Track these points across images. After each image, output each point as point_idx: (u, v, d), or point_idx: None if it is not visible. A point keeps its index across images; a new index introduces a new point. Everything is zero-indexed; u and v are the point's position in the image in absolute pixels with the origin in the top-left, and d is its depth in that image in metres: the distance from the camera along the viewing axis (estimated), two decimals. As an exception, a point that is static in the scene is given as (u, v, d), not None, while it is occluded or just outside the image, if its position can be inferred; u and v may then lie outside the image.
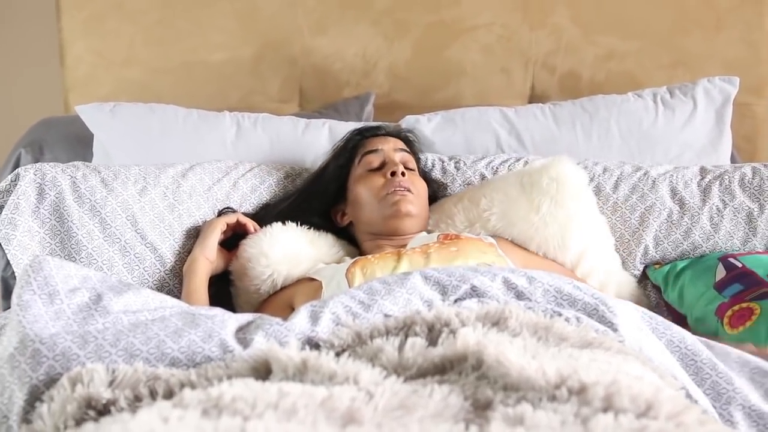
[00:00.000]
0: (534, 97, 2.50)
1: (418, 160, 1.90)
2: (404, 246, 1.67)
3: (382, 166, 1.78)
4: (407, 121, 2.12)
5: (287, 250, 1.71)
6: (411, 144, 1.91)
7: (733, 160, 2.18)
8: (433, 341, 1.00)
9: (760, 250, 1.78)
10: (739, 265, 1.66)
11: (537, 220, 1.75)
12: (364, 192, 1.76)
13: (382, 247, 1.71)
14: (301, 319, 1.11)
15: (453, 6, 2.47)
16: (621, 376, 0.88)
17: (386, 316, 1.13)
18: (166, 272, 1.74)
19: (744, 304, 1.55)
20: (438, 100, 2.45)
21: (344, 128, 2.09)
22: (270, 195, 1.91)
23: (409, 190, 1.72)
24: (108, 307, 1.07)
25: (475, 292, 1.21)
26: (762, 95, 2.46)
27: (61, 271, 1.10)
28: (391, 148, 1.80)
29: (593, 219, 1.82)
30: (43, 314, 1.03)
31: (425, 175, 1.89)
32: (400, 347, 0.98)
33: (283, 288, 1.70)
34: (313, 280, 1.64)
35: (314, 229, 1.79)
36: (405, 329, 1.04)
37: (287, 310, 1.55)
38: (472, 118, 2.14)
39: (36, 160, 2.16)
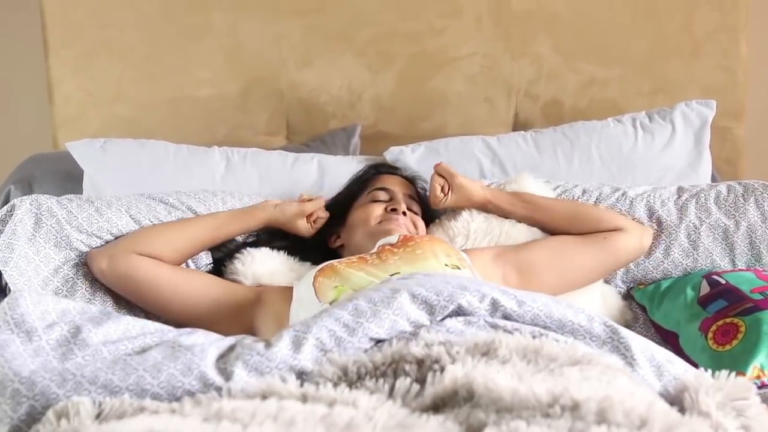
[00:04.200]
0: (518, 125, 2.53)
1: (423, 209, 1.90)
2: None
3: (386, 201, 1.80)
4: (391, 153, 2.15)
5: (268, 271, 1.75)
6: (420, 194, 1.93)
7: (713, 182, 2.21)
8: (422, 378, 0.98)
9: (743, 268, 1.81)
10: (723, 282, 1.67)
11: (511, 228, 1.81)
12: (361, 217, 1.78)
13: None
14: (283, 346, 1.09)
15: (436, 37, 2.51)
16: (613, 392, 0.87)
17: (372, 340, 1.12)
18: None
19: (728, 320, 1.56)
20: (423, 130, 2.48)
21: (333, 162, 2.13)
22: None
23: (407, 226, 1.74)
24: (87, 340, 1.08)
25: (461, 312, 1.19)
26: (740, 119, 2.51)
27: (39, 306, 1.11)
28: (400, 191, 1.83)
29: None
30: (21, 352, 1.04)
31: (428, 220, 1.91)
32: (390, 391, 0.96)
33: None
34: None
35: (299, 259, 1.81)
36: (393, 366, 1.01)
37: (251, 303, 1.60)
38: (455, 147, 2.17)
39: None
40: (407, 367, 1.00)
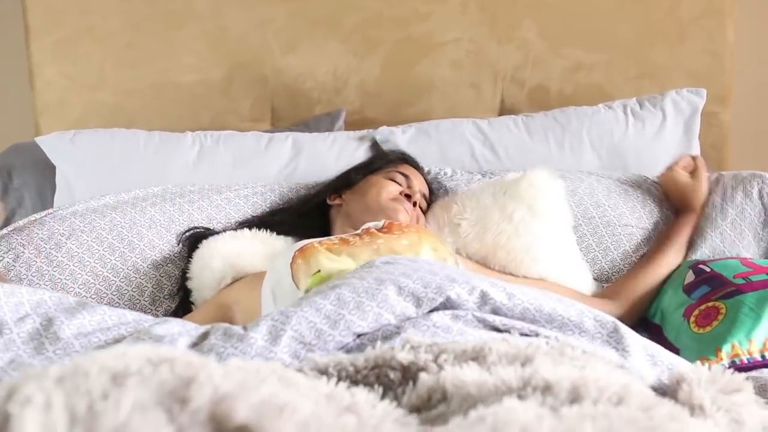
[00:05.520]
0: (504, 111, 2.52)
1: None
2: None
3: (402, 186, 1.83)
4: (381, 133, 2.14)
5: (239, 251, 1.74)
6: (433, 196, 1.95)
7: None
8: (405, 380, 0.94)
9: (729, 256, 1.81)
10: (708, 270, 1.68)
11: (509, 228, 1.75)
12: (375, 186, 1.81)
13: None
14: (259, 337, 1.06)
15: (421, 22, 2.49)
16: (588, 372, 0.86)
17: (354, 334, 1.10)
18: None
19: (710, 304, 1.57)
20: (409, 115, 2.46)
21: (308, 140, 2.12)
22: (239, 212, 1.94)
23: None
24: (58, 333, 1.06)
25: (449, 304, 1.16)
26: (727, 104, 2.50)
27: (12, 299, 1.10)
28: (418, 185, 1.87)
29: (566, 236, 1.82)
30: None
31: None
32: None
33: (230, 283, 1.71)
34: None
35: (278, 233, 1.81)
36: (376, 370, 0.95)
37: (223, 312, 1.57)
38: (446, 130, 2.16)
39: (5, 186, 2.17)
40: (391, 375, 0.95)
